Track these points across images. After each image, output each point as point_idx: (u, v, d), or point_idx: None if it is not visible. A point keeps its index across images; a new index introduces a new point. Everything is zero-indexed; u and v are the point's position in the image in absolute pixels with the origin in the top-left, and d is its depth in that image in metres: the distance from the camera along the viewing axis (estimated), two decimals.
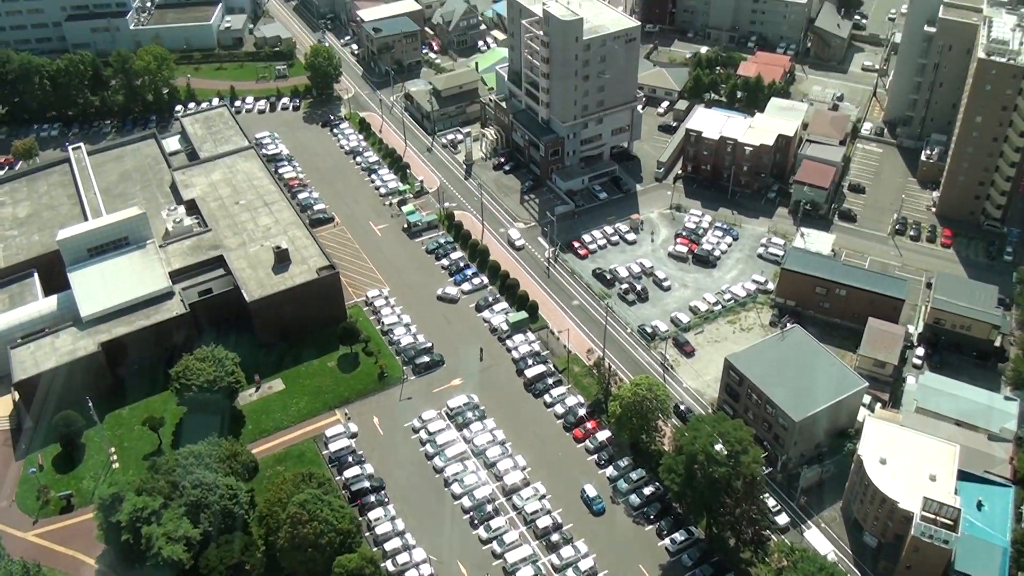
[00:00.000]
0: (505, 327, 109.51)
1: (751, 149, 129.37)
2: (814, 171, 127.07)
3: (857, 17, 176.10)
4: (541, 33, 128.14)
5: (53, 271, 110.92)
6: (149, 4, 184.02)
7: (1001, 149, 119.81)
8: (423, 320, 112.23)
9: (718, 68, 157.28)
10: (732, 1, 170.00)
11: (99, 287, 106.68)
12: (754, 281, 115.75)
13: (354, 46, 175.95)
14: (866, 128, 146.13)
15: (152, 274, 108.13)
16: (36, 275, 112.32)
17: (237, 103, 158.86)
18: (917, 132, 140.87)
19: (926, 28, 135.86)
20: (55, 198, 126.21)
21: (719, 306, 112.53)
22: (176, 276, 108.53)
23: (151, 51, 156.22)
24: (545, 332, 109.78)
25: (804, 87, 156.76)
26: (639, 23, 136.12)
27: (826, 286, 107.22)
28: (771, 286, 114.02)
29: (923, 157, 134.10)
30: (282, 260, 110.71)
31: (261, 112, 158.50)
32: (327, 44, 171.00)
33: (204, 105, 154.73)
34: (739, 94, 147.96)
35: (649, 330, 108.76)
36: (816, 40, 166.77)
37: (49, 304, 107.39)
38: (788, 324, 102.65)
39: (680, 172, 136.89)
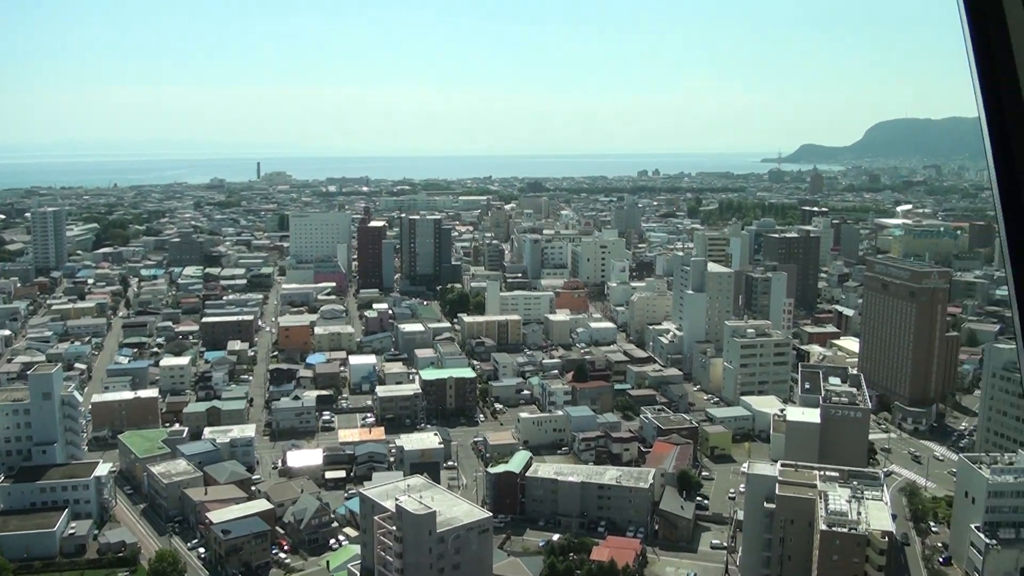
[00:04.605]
0: None
1: None
2: None
3: (699, 498, 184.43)
4: (394, 528, 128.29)
5: None
6: None
7: None
8: None
9: (571, 554, 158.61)
10: (579, 489, 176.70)
11: None
12: None
13: (201, 549, 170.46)
14: None
15: None
16: None
17: None
18: None
19: (766, 505, 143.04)
20: None
21: None
22: None
23: None
24: None
25: (657, 568, 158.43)
26: (490, 514, 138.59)
27: None
28: None
29: None
30: None
31: None
32: (173, 548, 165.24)
33: None
34: None
35: None
36: (663, 522, 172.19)
37: None
38: None
39: None
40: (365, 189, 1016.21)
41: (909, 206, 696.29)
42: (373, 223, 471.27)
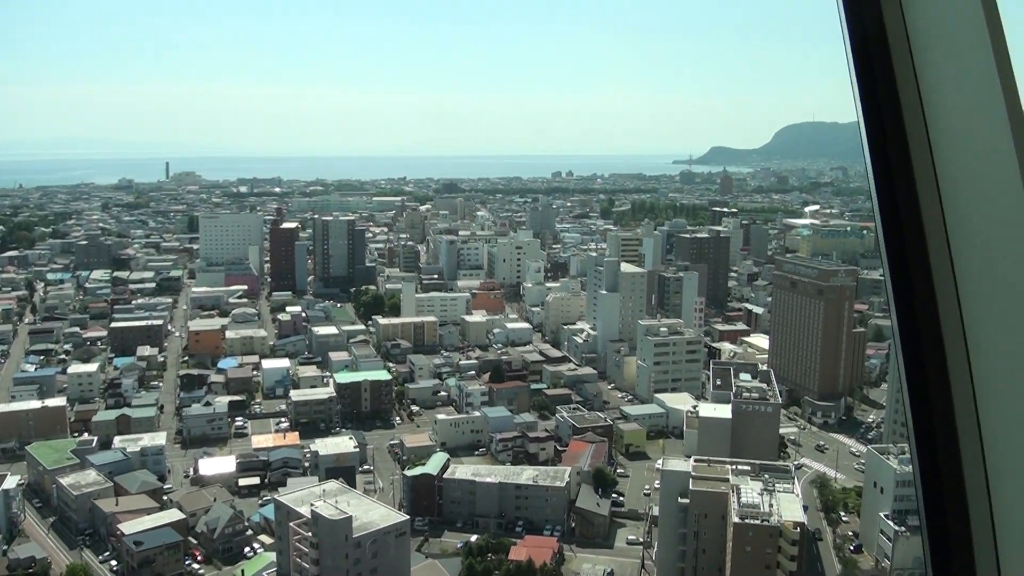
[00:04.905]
0: None
1: None
2: None
3: (615, 495, 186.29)
4: (310, 534, 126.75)
5: None
6: None
7: None
8: None
9: (490, 555, 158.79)
10: (496, 489, 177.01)
11: None
12: None
13: (113, 562, 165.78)
14: None
15: None
16: None
17: None
18: None
19: (680, 500, 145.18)
20: None
21: None
22: None
23: None
24: None
25: (574, 566, 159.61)
26: (408, 517, 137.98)
27: None
28: None
29: None
30: None
31: None
32: (85, 562, 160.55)
33: None
34: None
35: None
36: (579, 520, 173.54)
37: None
38: None
39: None
40: (277, 190, 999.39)
41: (817, 207, 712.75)
42: (286, 224, 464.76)
